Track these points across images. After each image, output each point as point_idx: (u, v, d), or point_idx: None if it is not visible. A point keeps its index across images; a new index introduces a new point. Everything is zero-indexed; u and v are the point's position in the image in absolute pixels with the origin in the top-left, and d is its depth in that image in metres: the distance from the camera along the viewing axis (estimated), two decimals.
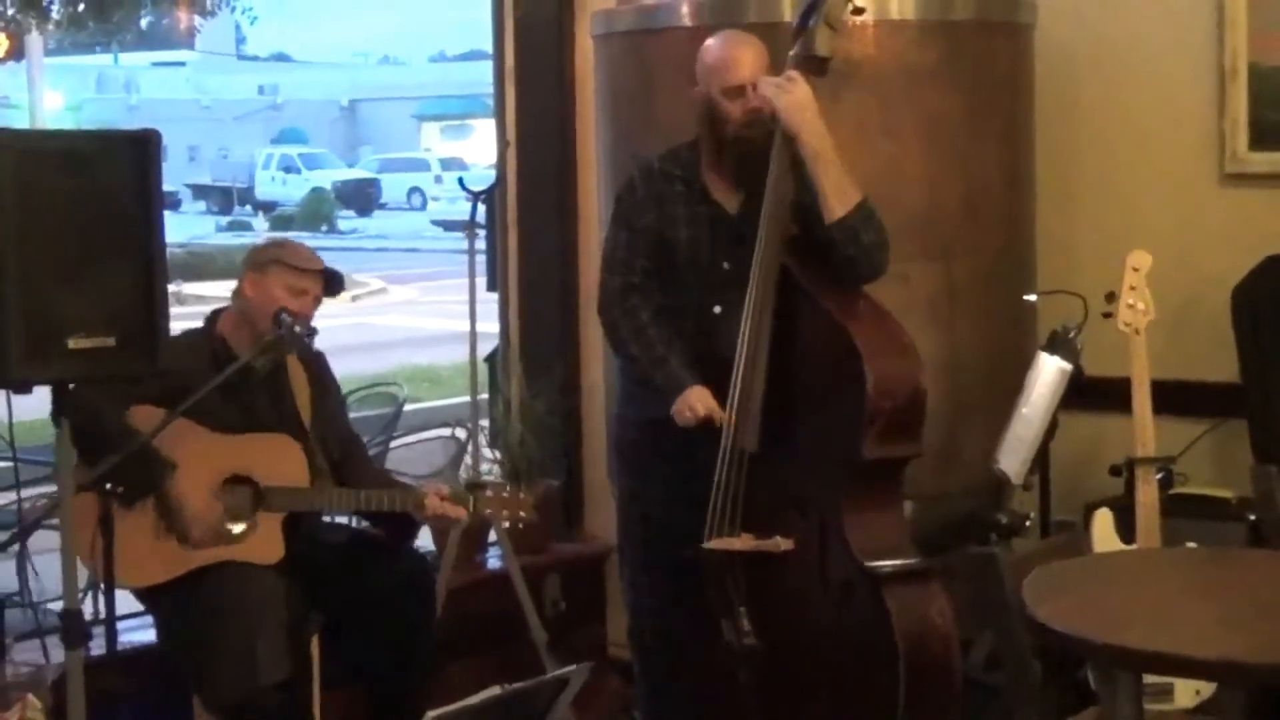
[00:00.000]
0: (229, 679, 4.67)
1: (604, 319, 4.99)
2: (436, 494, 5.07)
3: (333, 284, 5.16)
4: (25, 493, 5.71)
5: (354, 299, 23.75)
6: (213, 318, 5.14)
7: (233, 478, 4.96)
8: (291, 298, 5.00)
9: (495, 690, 3.97)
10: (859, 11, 4.84)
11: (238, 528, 4.92)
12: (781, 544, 4.59)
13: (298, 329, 4.94)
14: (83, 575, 4.81)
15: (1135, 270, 5.05)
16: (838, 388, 4.54)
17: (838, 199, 4.61)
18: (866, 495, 4.54)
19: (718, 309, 4.78)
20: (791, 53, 4.66)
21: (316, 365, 5.27)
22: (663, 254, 4.86)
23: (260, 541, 4.93)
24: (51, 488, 5.00)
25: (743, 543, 4.63)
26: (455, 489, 5.13)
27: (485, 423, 6.55)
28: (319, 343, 5.18)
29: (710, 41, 4.83)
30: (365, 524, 5.47)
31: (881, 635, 4.39)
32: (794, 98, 4.59)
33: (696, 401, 4.65)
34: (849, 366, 4.47)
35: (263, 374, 5.04)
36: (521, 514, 5.16)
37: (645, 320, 4.84)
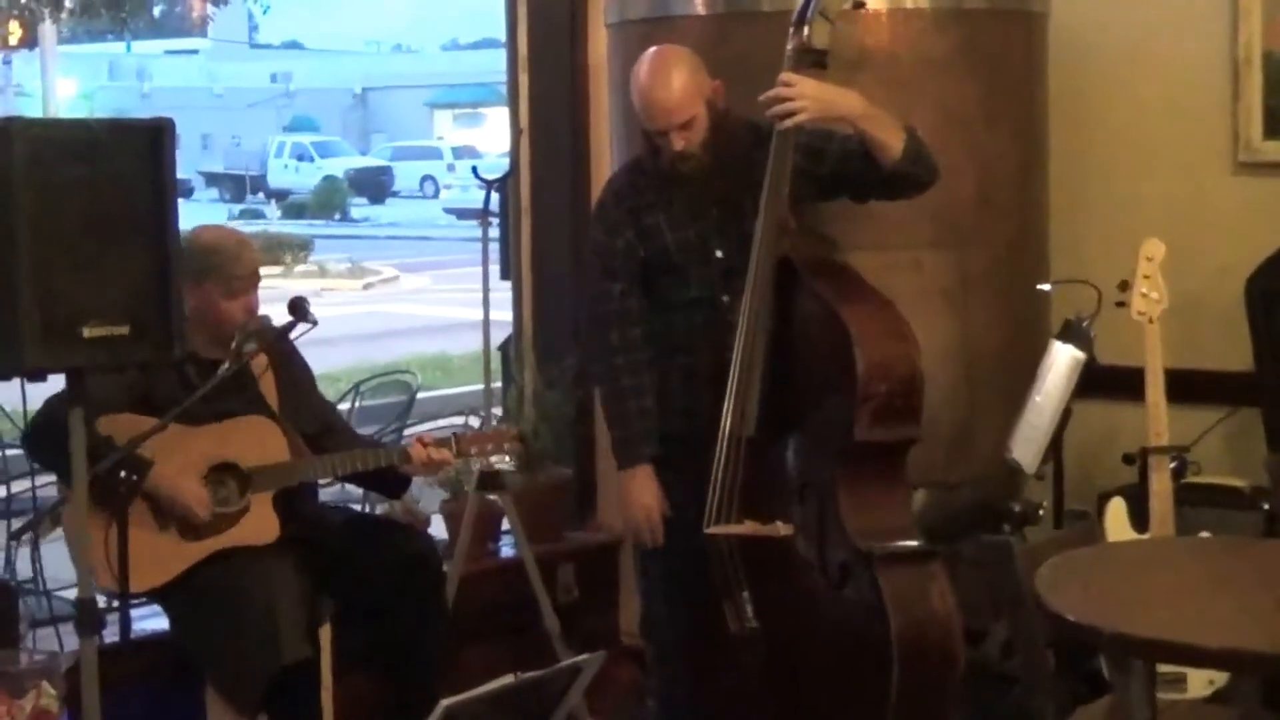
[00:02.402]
0: (252, 662, 4.68)
1: (585, 351, 5.06)
2: (420, 441, 5.11)
3: (258, 275, 5.15)
4: (40, 480, 5.73)
5: (366, 287, 23.79)
6: None
7: (215, 467, 4.96)
8: (234, 303, 4.99)
9: (509, 679, 3.97)
10: (859, 5, 4.83)
11: (230, 511, 4.93)
12: (781, 529, 4.61)
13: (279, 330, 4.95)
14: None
15: (1149, 259, 5.04)
16: (833, 372, 4.55)
17: (893, 138, 4.68)
18: (863, 478, 4.54)
19: (726, 298, 4.81)
20: (789, 46, 4.66)
21: (274, 343, 5.12)
22: (657, 262, 4.90)
23: (255, 523, 4.93)
24: None
25: (743, 528, 4.64)
26: (434, 439, 5.16)
27: (498, 411, 6.56)
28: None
29: (639, 67, 4.84)
30: (365, 507, 5.47)
31: (876, 616, 4.39)
32: (810, 97, 4.59)
33: (643, 521, 4.80)
34: (842, 350, 4.48)
35: (218, 364, 5.00)
36: (506, 445, 5.21)
37: (620, 365, 4.89)
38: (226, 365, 4.82)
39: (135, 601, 4.86)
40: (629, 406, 4.88)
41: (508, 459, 5.36)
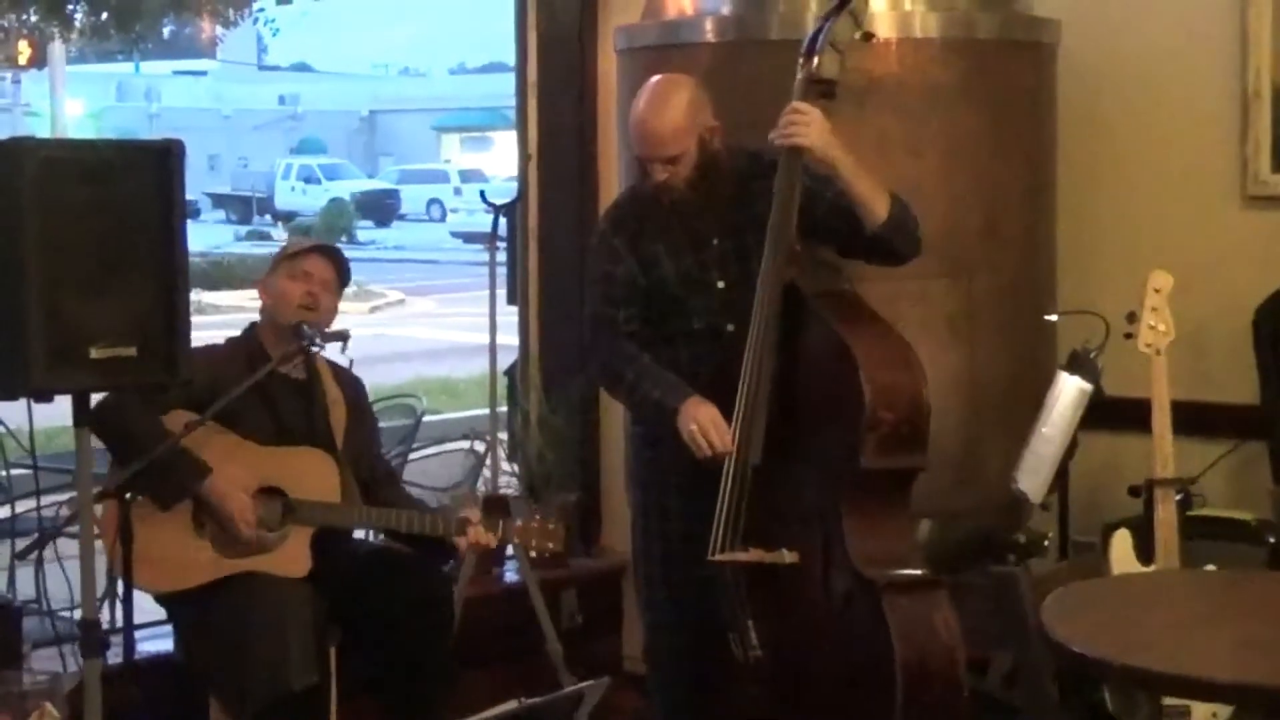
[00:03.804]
0: (261, 684, 4.67)
1: (592, 364, 5.07)
2: (470, 520, 5.09)
3: (329, 253, 5.24)
4: (45, 500, 5.72)
5: (372, 310, 23.79)
6: (251, 326, 5.21)
7: (264, 489, 4.98)
8: (295, 283, 5.08)
9: (512, 704, 3.97)
10: (869, 37, 4.82)
11: (267, 536, 4.94)
12: (787, 556, 4.61)
13: (319, 337, 5.00)
14: (101, 582, 4.83)
15: (1156, 291, 5.04)
16: (839, 400, 4.56)
17: (878, 201, 4.68)
18: (868, 506, 4.54)
19: (730, 327, 4.80)
20: (799, 76, 4.67)
21: (354, 391, 5.33)
22: (658, 292, 4.89)
23: (288, 554, 4.94)
24: (73, 494, 5.02)
25: (749, 555, 4.64)
26: (487, 519, 5.14)
27: (504, 436, 6.56)
28: (332, 353, 5.23)
29: (641, 91, 4.85)
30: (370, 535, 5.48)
31: (880, 644, 4.40)
32: (816, 128, 4.59)
33: (709, 424, 4.64)
34: (849, 379, 4.49)
35: (290, 379, 5.08)
36: (550, 545, 5.18)
37: (634, 351, 4.85)
38: (267, 366, 4.95)
39: (140, 623, 4.87)
40: (653, 374, 4.79)
41: (550, 545, 5.29)
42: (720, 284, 4.85)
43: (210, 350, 4.98)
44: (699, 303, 4.87)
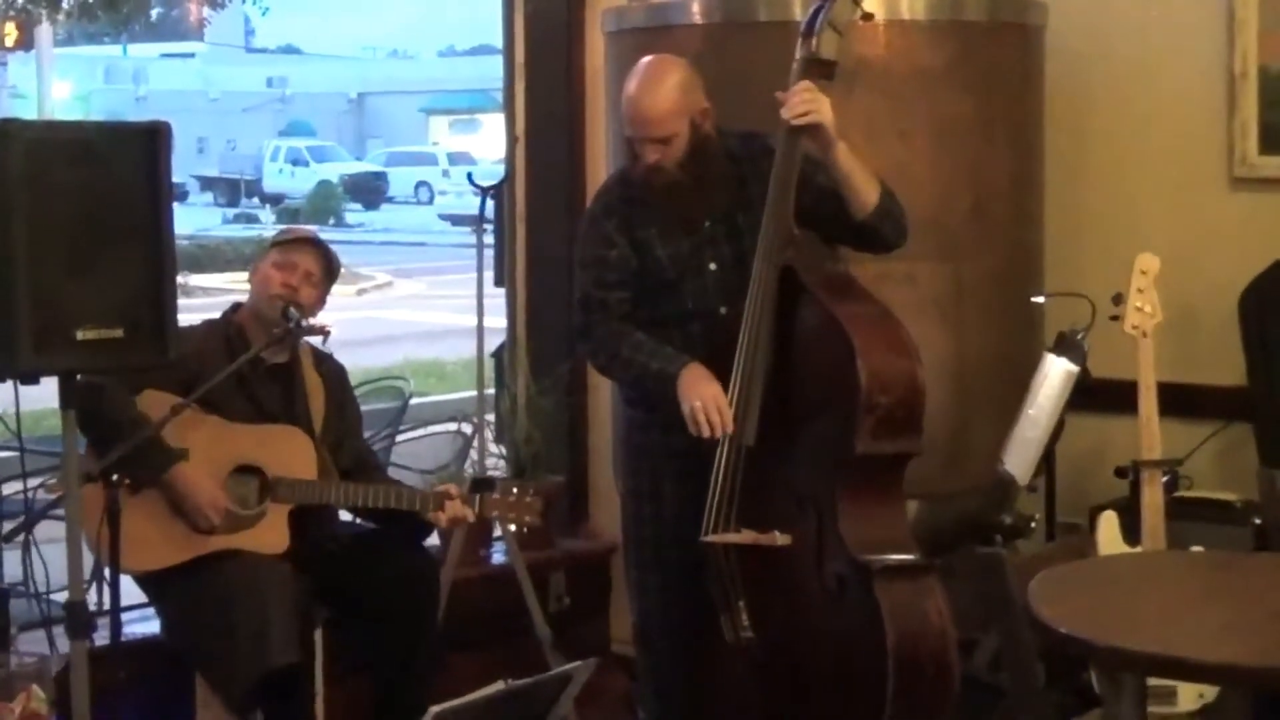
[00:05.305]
0: (241, 661, 4.67)
1: (585, 346, 5.04)
2: (448, 493, 5.10)
3: (319, 247, 5.23)
4: (31, 482, 5.71)
5: (360, 293, 23.76)
6: (233, 309, 5.21)
7: (241, 467, 4.98)
8: (280, 272, 5.08)
9: (499, 685, 3.98)
10: (868, 17, 4.81)
11: (245, 514, 4.94)
12: (779, 538, 4.61)
13: (305, 322, 5.00)
14: (87, 564, 4.82)
15: (1143, 273, 5.05)
16: (835, 384, 4.55)
17: (870, 187, 4.68)
18: (862, 490, 4.53)
19: (723, 309, 4.80)
20: (798, 56, 4.65)
21: (335, 379, 5.34)
22: (650, 275, 4.87)
23: (266, 531, 4.94)
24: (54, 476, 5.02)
25: (741, 536, 4.64)
26: (463, 492, 5.15)
27: (491, 418, 6.55)
28: (334, 349, 5.24)
29: (634, 71, 4.82)
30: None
31: (872, 628, 4.39)
32: (827, 108, 4.57)
33: (711, 403, 4.63)
34: (845, 363, 4.48)
35: (269, 364, 5.08)
36: (527, 518, 5.18)
37: (628, 329, 4.84)
38: (253, 350, 4.95)
39: (127, 605, 4.86)
40: (649, 347, 4.78)
41: (528, 519, 5.28)
42: (712, 266, 4.85)
43: (189, 330, 4.97)
44: (691, 285, 4.86)
